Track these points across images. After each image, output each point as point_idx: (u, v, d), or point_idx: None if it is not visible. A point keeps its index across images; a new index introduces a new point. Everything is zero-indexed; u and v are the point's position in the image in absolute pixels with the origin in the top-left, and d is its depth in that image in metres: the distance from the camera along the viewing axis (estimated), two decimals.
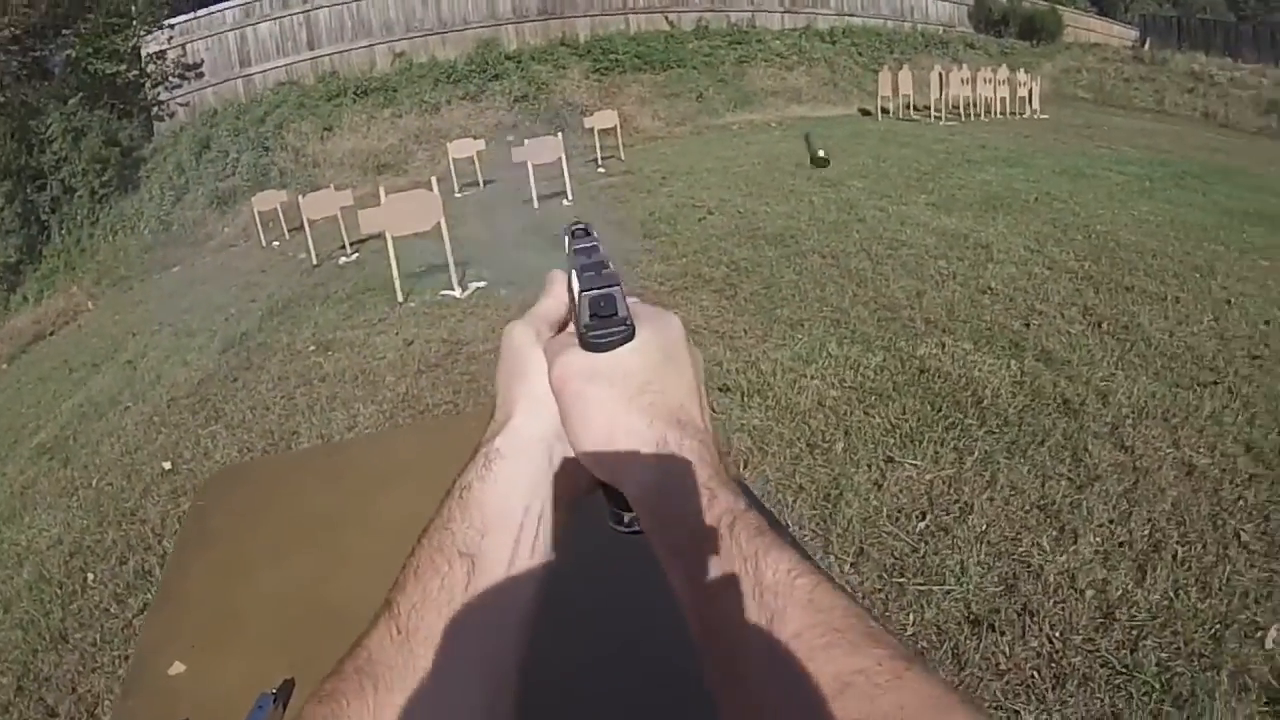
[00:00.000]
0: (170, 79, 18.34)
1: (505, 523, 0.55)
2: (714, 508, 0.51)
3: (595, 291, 0.57)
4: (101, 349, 9.26)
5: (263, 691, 1.14)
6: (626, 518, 0.58)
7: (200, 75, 18.50)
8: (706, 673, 0.48)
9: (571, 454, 0.58)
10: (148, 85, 18.24)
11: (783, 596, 0.45)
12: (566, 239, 0.70)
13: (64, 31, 17.45)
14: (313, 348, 6.70)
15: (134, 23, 17.76)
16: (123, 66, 17.58)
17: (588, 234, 0.71)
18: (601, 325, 0.57)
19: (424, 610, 0.52)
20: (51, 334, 12.21)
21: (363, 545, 1.39)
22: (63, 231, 15.58)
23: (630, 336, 0.57)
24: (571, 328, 0.62)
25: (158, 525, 4.47)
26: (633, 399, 0.55)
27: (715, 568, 0.49)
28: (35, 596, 4.13)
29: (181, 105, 18.43)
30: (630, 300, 0.60)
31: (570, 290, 0.64)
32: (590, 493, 0.60)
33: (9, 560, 4.72)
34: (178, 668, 1.27)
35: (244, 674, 1.21)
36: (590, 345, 0.57)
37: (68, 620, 3.83)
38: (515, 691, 0.55)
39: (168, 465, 5.18)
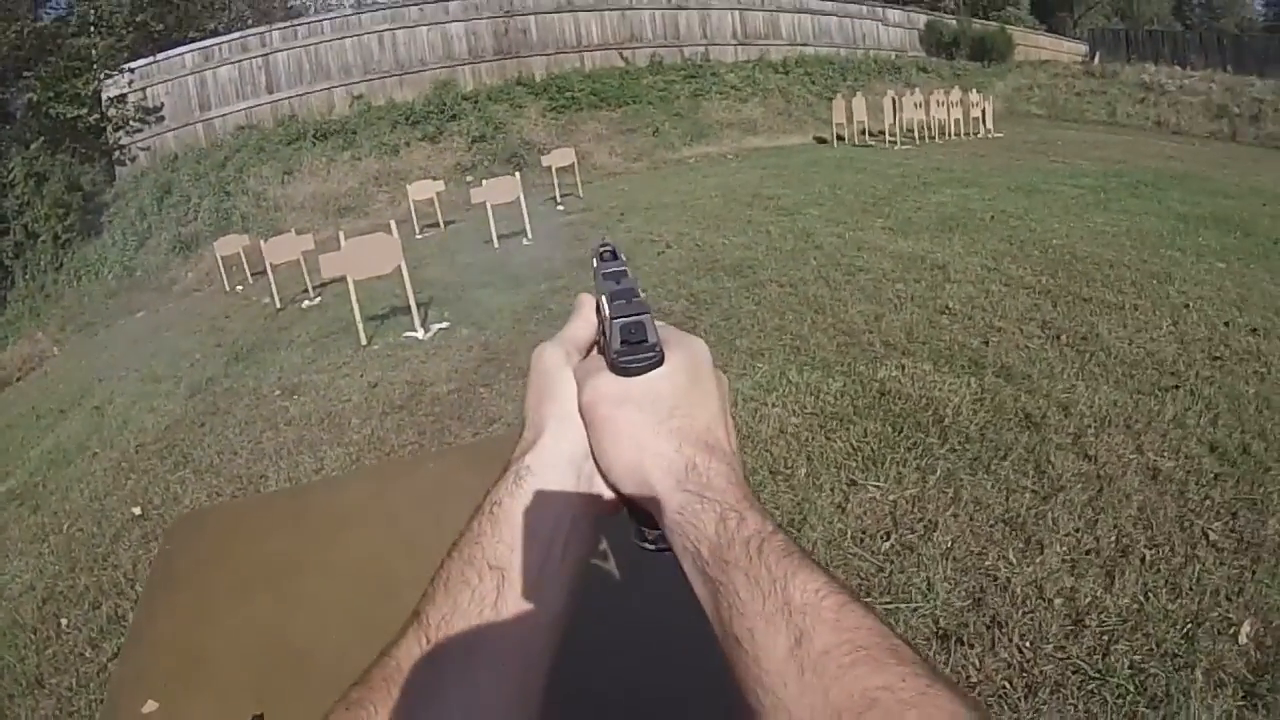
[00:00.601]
0: (131, 123, 18.39)
1: (535, 538, 0.57)
2: (742, 529, 0.51)
3: (626, 319, 0.60)
4: (68, 395, 9.21)
5: None
6: (652, 535, 0.60)
7: (161, 119, 18.56)
8: (734, 690, 0.48)
9: (599, 473, 0.60)
10: (109, 129, 18.27)
11: (810, 616, 0.46)
12: (594, 261, 0.73)
13: (25, 74, 17.54)
14: (278, 392, 6.73)
15: (94, 66, 17.87)
16: (84, 110, 17.66)
17: (615, 256, 0.73)
18: (632, 351, 0.59)
19: (453, 621, 0.54)
20: (18, 380, 12.13)
21: (322, 588, 1.44)
22: (26, 277, 15.55)
23: (660, 362, 0.59)
24: (599, 351, 0.65)
25: (129, 570, 4.47)
26: (661, 423, 0.57)
27: (743, 588, 0.49)
28: (9, 642, 4.12)
29: (143, 149, 18.46)
30: (658, 324, 0.62)
31: (600, 314, 0.66)
32: (617, 511, 0.62)
33: None
34: (150, 705, 1.28)
35: (215, 711, 1.24)
36: (621, 370, 0.59)
37: (43, 665, 3.83)
38: (541, 704, 0.56)
39: (138, 510, 5.19)
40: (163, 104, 18.61)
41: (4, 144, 16.53)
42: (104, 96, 18.16)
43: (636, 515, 0.61)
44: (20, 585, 4.74)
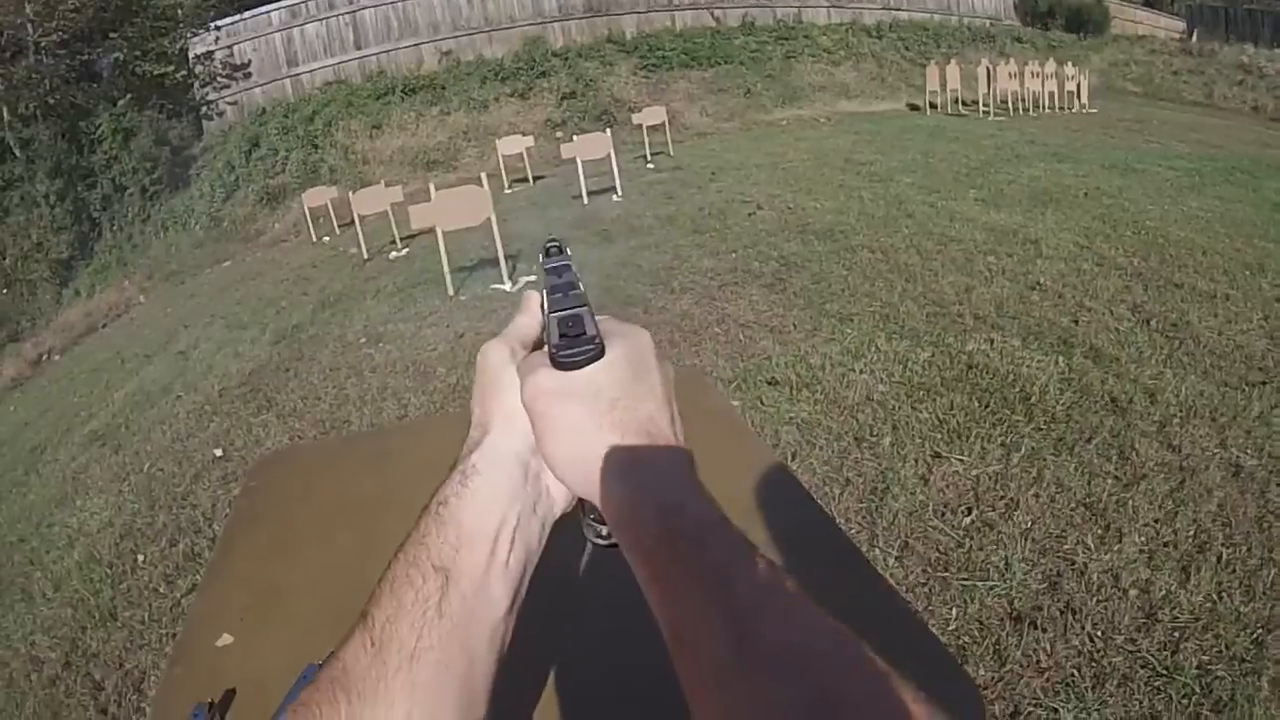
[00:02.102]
0: (218, 79, 18.57)
1: (480, 537, 0.56)
2: (685, 523, 0.51)
3: (563, 312, 0.60)
4: (153, 340, 9.41)
5: (310, 663, 1.15)
6: (604, 531, 0.59)
7: (248, 75, 18.68)
8: (682, 683, 0.48)
9: (547, 471, 0.61)
10: (196, 86, 18.49)
11: (753, 612, 0.45)
12: (540, 257, 0.74)
13: (111, 35, 17.71)
14: (364, 340, 6.73)
15: (180, 25, 18.05)
16: (170, 68, 17.85)
17: (561, 252, 0.74)
18: (570, 345, 0.59)
19: (397, 623, 0.53)
20: (103, 326, 12.42)
21: (404, 529, 1.40)
22: (114, 228, 15.82)
23: (599, 355, 0.59)
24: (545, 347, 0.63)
25: (208, 510, 4.56)
26: (603, 415, 0.57)
27: (686, 580, 0.49)
28: (85, 576, 4.23)
29: (230, 104, 18.62)
30: (601, 318, 0.63)
31: (544, 315, 0.66)
32: (568, 508, 0.63)
33: (60, 541, 4.84)
34: (225, 639, 1.31)
35: (289, 647, 1.23)
36: (560, 364, 0.58)
37: (117, 599, 3.92)
38: (489, 704, 0.56)
39: (219, 452, 5.27)
40: (249, 61, 18.68)
41: (92, 101, 16.75)
42: (191, 54, 18.30)
43: (589, 511, 0.60)
44: (99, 522, 4.86)
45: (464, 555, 0.55)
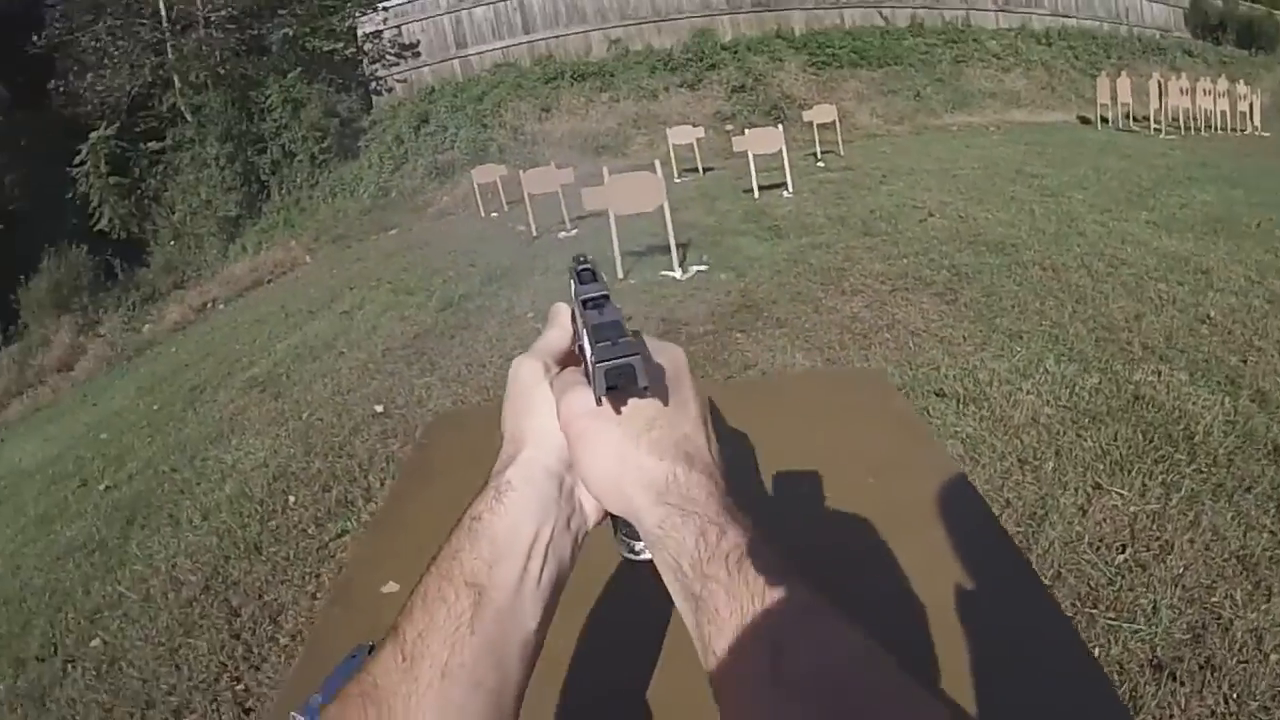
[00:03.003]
0: (387, 57, 19.10)
1: (513, 554, 0.56)
2: (722, 543, 0.51)
3: (612, 363, 0.54)
4: (318, 298, 9.66)
5: (360, 643, 1.15)
6: (637, 546, 0.60)
7: (417, 55, 19.13)
8: (716, 700, 0.48)
9: (580, 487, 0.60)
10: (365, 62, 19.07)
11: (789, 633, 0.46)
12: (572, 282, 0.68)
13: (280, 11, 18.43)
14: (531, 314, 6.70)
15: (348, 4, 18.67)
16: (340, 44, 18.51)
17: (594, 278, 0.68)
18: (619, 397, 0.56)
19: (429, 638, 0.52)
20: (269, 282, 12.83)
21: None
22: (282, 191, 16.45)
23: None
24: (577, 360, 0.64)
25: (364, 461, 4.66)
26: (641, 435, 0.56)
27: (722, 603, 0.49)
28: (234, 510, 4.43)
29: (399, 82, 19.11)
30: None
31: (576, 329, 0.65)
32: (600, 523, 0.62)
33: (213, 475, 5.06)
34: (391, 586, 1.33)
35: None
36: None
37: (264, 535, 4.10)
38: (518, 717, 0.55)
39: (379, 408, 5.39)
40: (418, 41, 19.11)
41: (261, 73, 17.51)
42: (359, 32, 18.90)
43: (622, 526, 0.61)
44: (253, 461, 5.08)
45: (497, 571, 0.55)
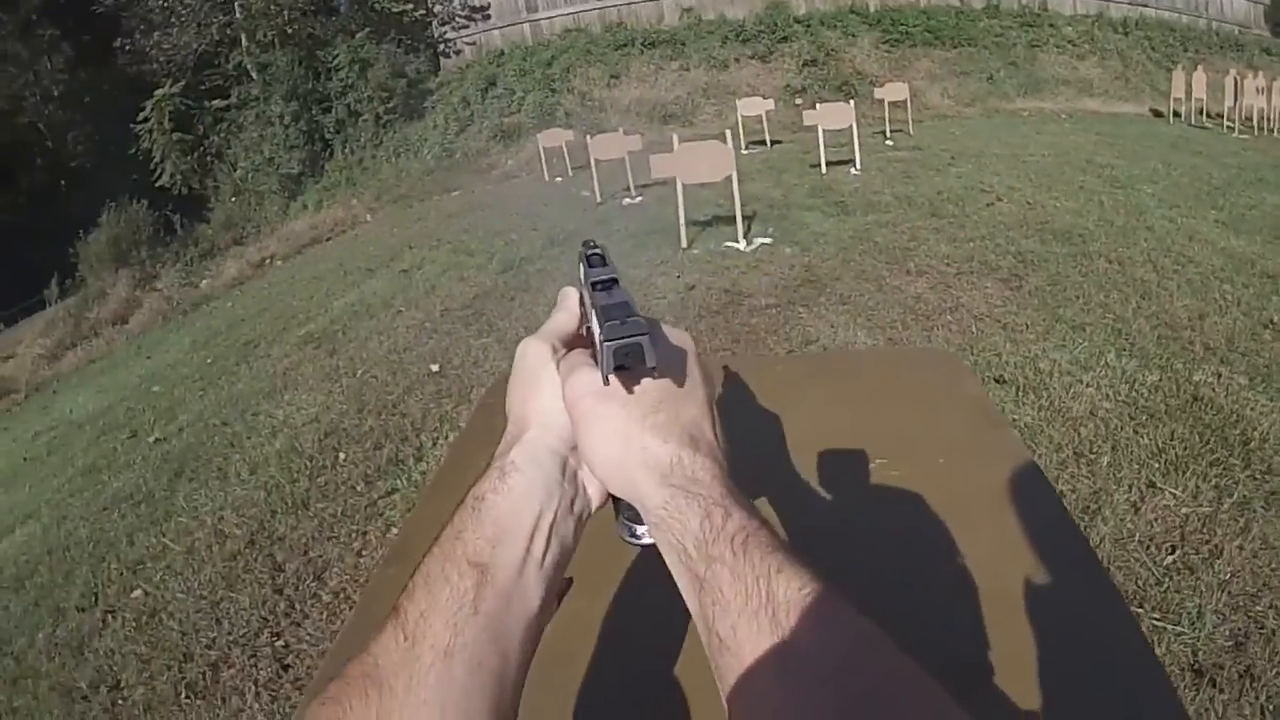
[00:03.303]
0: (457, 19, 19.10)
1: (516, 534, 0.56)
2: (728, 525, 0.51)
3: (620, 341, 0.54)
4: (377, 257, 9.68)
5: None
6: (639, 530, 0.59)
7: (487, 18, 19.12)
8: (719, 684, 0.49)
9: (584, 468, 0.60)
10: (434, 24, 19.12)
11: (795, 614, 0.46)
12: (581, 265, 0.68)
13: None
14: None
15: None
16: (409, 5, 18.51)
17: (604, 262, 0.67)
18: (630, 378, 0.56)
19: (431, 618, 0.52)
20: (328, 240, 12.92)
21: None
22: (345, 150, 16.53)
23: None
24: (584, 343, 0.64)
25: (418, 420, 4.64)
26: (646, 417, 0.56)
27: (727, 584, 0.49)
28: (283, 465, 4.42)
29: (468, 44, 19.14)
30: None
31: (584, 312, 0.65)
32: (603, 505, 0.62)
33: (264, 430, 5.07)
34: None
35: None
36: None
37: (312, 491, 4.08)
38: (519, 702, 0.55)
39: (435, 368, 5.37)
40: (489, 3, 19.12)
41: (329, 33, 17.68)
42: None
43: (624, 510, 0.61)
44: (304, 417, 5.09)
45: (500, 551, 0.54)
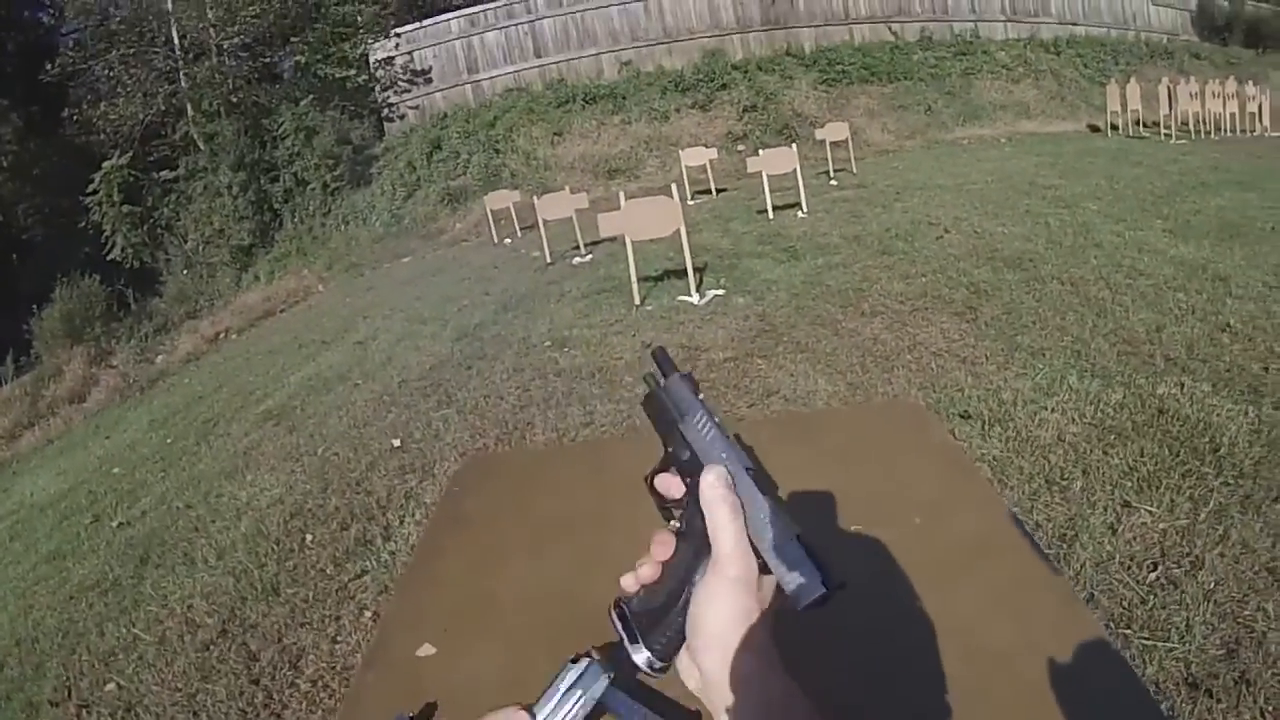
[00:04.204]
0: (399, 84, 19.31)
1: None
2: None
3: (813, 602, 0.58)
4: (331, 328, 9.67)
5: (399, 712, 1.15)
6: (658, 666, 0.65)
7: (429, 80, 19.33)
8: None
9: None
10: (377, 89, 19.30)
11: None
12: (703, 422, 0.70)
13: (291, 39, 18.81)
14: (548, 343, 6.68)
15: (360, 32, 18.90)
16: (352, 72, 18.78)
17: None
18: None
19: None
20: (282, 311, 12.85)
21: (627, 548, 1.30)
22: (295, 219, 16.53)
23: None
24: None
25: (383, 497, 4.60)
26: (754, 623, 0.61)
27: None
28: (250, 549, 4.37)
29: (411, 108, 19.31)
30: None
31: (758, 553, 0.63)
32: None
33: (228, 513, 5.01)
34: (427, 649, 1.32)
35: (497, 662, 1.25)
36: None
37: (281, 575, 4.04)
38: None
39: (396, 443, 5.31)
40: (430, 67, 19.34)
41: (274, 100, 17.84)
42: (371, 59, 19.15)
43: (631, 631, 0.65)
44: (268, 498, 5.04)
45: None
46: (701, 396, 0.73)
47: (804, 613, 0.58)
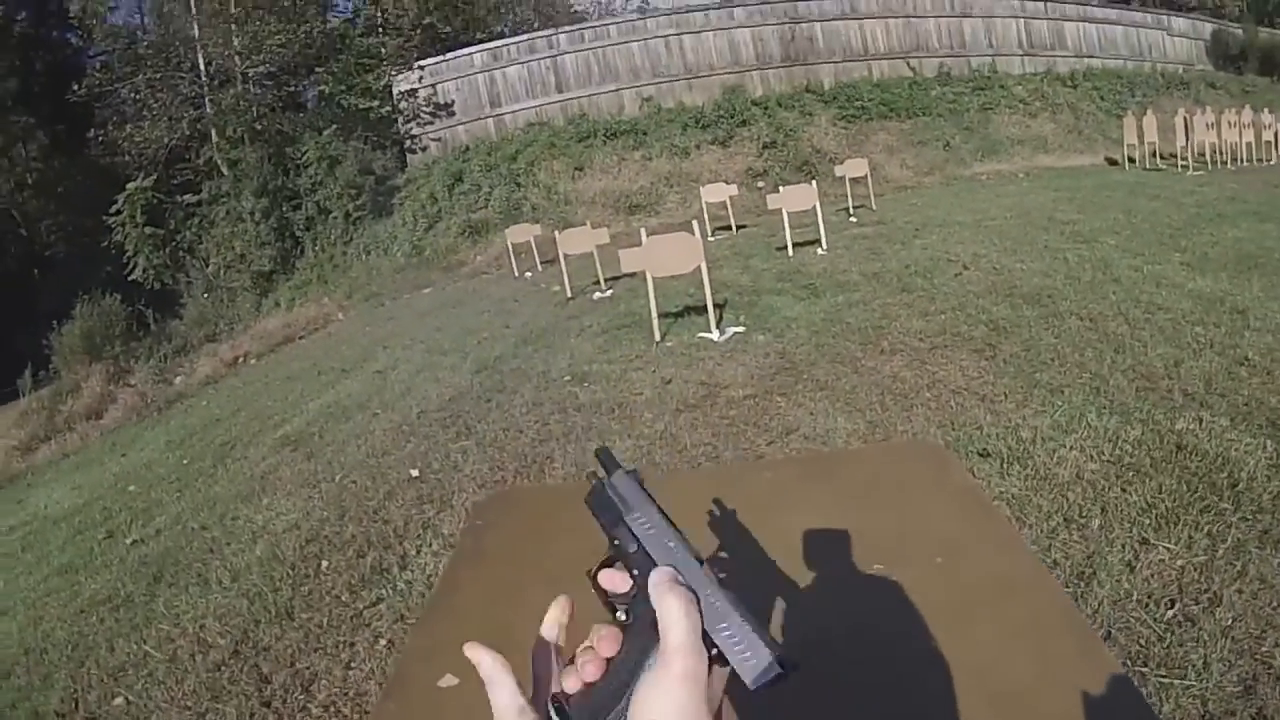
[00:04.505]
0: (422, 115, 19.46)
1: None
2: None
3: (768, 682, 0.58)
4: (351, 357, 9.69)
5: None
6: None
7: (451, 113, 19.50)
8: None
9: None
10: (400, 121, 19.47)
11: None
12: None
13: (317, 69, 19.12)
14: (568, 377, 6.67)
15: (383, 64, 19.16)
16: (375, 103, 18.94)
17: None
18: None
19: None
20: (301, 338, 12.94)
21: None
22: (316, 247, 16.67)
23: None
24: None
25: (400, 527, 4.58)
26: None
27: None
28: (265, 572, 4.36)
29: (434, 140, 19.47)
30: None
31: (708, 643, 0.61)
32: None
33: (244, 536, 5.00)
34: (449, 680, 1.31)
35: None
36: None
37: (296, 600, 4.02)
38: None
39: (415, 472, 5.29)
40: (453, 100, 19.50)
41: (298, 129, 18.03)
42: (395, 91, 19.33)
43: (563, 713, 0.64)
44: (284, 523, 5.04)
45: None
46: (648, 491, 0.73)
47: (755, 693, 0.58)
